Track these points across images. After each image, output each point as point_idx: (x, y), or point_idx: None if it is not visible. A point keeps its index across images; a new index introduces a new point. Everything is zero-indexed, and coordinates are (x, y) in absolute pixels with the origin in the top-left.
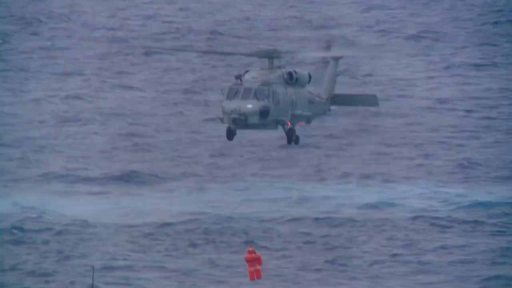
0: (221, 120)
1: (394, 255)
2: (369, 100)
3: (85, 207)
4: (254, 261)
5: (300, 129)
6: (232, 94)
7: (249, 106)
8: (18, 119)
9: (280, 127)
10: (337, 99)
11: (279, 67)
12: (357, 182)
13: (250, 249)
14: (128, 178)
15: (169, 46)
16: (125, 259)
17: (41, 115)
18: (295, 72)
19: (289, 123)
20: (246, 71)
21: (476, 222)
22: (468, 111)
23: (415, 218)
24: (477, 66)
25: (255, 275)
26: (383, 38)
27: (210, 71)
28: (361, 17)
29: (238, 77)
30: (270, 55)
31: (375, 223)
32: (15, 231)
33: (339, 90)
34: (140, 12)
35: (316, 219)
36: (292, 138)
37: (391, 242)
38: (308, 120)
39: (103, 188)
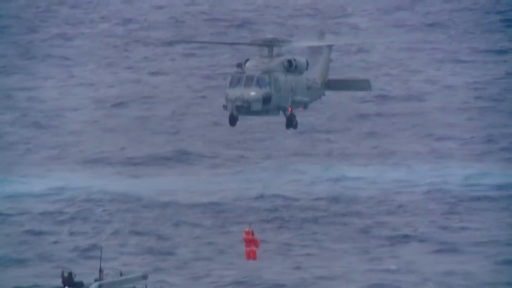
0: (224, 107)
1: (422, 232)
2: (362, 85)
3: (159, 187)
4: (250, 242)
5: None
6: (235, 82)
7: (252, 93)
8: (62, 104)
9: (281, 113)
10: (331, 84)
11: (278, 55)
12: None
13: (247, 230)
14: (181, 158)
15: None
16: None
17: (84, 100)
18: (294, 59)
19: (290, 109)
20: (247, 60)
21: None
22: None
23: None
24: (484, 52)
25: (251, 256)
26: (390, 26)
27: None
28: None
29: (239, 65)
30: (270, 44)
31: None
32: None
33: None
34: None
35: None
36: (292, 123)
37: (420, 220)
38: (305, 105)
39: (164, 169)
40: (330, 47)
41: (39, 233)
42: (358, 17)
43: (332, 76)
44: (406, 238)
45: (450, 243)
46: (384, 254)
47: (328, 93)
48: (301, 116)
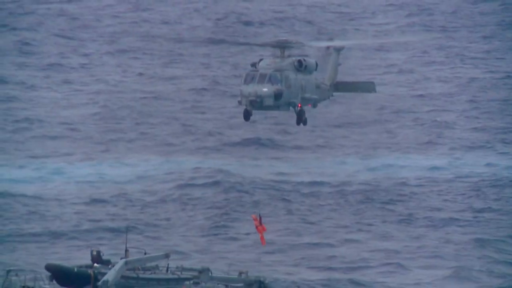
0: (239, 102)
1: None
2: (367, 87)
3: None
4: (259, 227)
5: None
6: (249, 79)
7: (265, 89)
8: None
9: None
10: (339, 86)
11: (289, 56)
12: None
13: (254, 216)
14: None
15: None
16: None
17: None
18: (304, 60)
19: (299, 105)
20: (261, 59)
21: None
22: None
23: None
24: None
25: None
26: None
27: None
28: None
29: (254, 64)
30: (282, 45)
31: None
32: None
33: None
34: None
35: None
36: (302, 119)
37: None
38: (314, 103)
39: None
40: (338, 52)
41: None
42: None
43: (340, 78)
44: None
45: None
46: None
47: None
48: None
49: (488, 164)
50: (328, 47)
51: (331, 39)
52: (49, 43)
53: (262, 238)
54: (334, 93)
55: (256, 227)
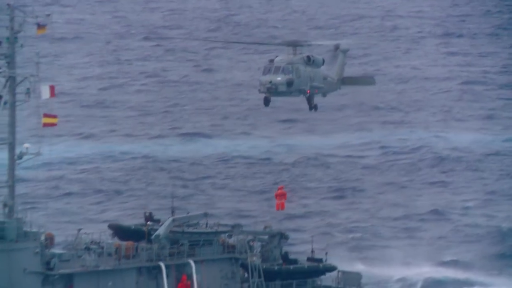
0: (259, 90)
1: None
2: (368, 81)
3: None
4: (280, 196)
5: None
6: (266, 70)
7: (279, 78)
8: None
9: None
10: (345, 80)
11: (300, 53)
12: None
13: (280, 187)
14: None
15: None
16: None
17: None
18: (312, 56)
19: (308, 92)
20: (277, 56)
21: None
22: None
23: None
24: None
25: (280, 207)
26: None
27: None
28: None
29: (272, 60)
30: (294, 44)
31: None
32: None
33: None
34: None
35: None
36: (311, 104)
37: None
38: (324, 94)
39: None
40: (344, 53)
41: None
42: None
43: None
44: None
45: None
46: None
47: None
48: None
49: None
50: (336, 49)
51: (337, 44)
52: None
53: (283, 204)
54: (342, 86)
55: (277, 195)
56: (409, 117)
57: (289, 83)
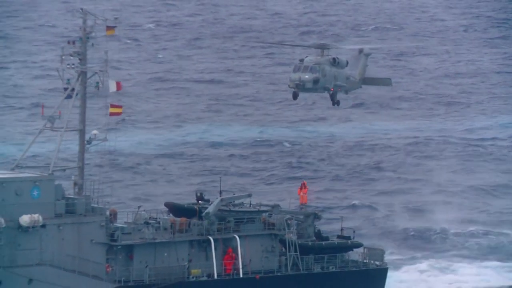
0: (289, 86)
1: None
2: (386, 81)
3: None
4: (303, 189)
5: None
6: (296, 69)
7: (306, 76)
8: None
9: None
10: (366, 81)
11: (327, 55)
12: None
13: (304, 183)
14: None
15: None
16: None
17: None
18: (338, 58)
19: (332, 89)
20: (306, 56)
21: None
22: None
23: None
24: None
25: (304, 200)
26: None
27: None
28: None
29: (301, 60)
30: (321, 47)
31: None
32: None
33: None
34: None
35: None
36: (334, 100)
37: None
38: (346, 91)
39: None
40: (367, 56)
41: None
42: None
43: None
44: None
45: None
46: None
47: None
48: None
49: None
50: (360, 52)
51: (361, 48)
52: None
53: (302, 197)
54: (363, 86)
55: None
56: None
57: (315, 81)
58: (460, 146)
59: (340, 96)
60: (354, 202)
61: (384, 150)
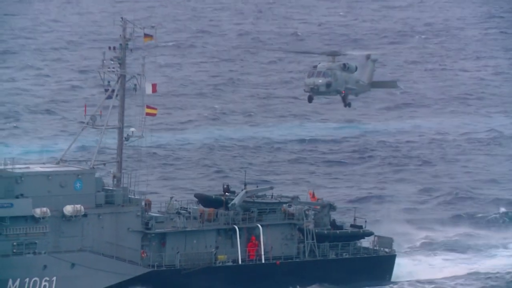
0: (304, 90)
1: None
2: (392, 84)
3: None
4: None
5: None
6: (310, 74)
7: (320, 81)
8: None
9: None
10: (374, 84)
11: (338, 61)
12: None
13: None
14: None
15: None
16: None
17: None
18: (348, 64)
19: (343, 92)
20: (319, 63)
21: None
22: None
23: None
24: None
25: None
26: None
27: None
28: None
29: (315, 66)
30: (333, 54)
31: None
32: None
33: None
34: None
35: None
36: (346, 102)
37: None
38: (356, 94)
39: None
40: (373, 62)
41: None
42: None
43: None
44: None
45: None
46: None
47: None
48: None
49: None
50: (367, 58)
51: (368, 54)
52: None
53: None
54: (371, 89)
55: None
56: None
57: (328, 85)
58: None
59: (351, 97)
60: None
61: None
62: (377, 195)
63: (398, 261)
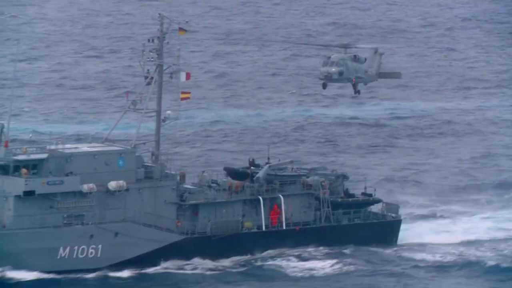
0: (319, 78)
1: None
2: (396, 75)
3: None
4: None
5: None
6: (324, 63)
7: (333, 69)
8: None
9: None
10: (381, 75)
11: (349, 53)
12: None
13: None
14: None
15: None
16: None
17: None
18: (357, 55)
19: (353, 80)
20: (333, 54)
21: None
22: None
23: None
24: None
25: None
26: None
27: None
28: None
29: (328, 57)
30: (345, 46)
31: None
32: None
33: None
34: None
35: None
36: (356, 89)
37: None
38: (365, 83)
39: None
40: (380, 55)
41: None
42: None
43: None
44: None
45: None
46: None
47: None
48: None
49: None
50: (375, 52)
51: (376, 48)
52: None
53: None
54: (379, 79)
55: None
56: None
57: (340, 73)
58: None
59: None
60: None
61: None
62: None
63: (404, 226)
